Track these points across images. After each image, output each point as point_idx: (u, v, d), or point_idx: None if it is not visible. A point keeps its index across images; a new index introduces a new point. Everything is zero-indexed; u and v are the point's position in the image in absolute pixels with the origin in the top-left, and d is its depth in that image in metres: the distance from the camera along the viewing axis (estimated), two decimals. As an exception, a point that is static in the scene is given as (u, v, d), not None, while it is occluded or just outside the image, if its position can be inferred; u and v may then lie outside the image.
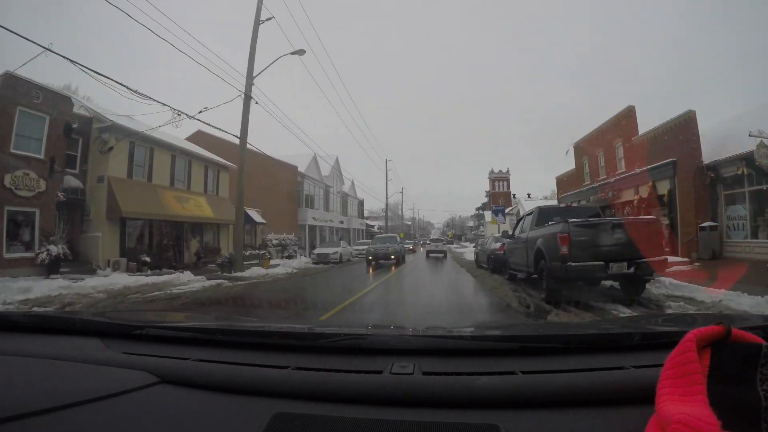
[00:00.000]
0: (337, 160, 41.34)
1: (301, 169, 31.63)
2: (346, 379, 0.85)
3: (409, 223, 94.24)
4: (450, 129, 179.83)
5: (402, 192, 70.19)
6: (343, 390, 0.81)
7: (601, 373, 0.83)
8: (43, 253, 11.94)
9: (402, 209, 71.15)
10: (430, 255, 26.43)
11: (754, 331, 0.67)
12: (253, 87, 14.92)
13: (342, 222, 41.41)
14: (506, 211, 37.28)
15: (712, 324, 0.59)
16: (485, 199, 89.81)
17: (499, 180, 76.78)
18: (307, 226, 31.20)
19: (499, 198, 75.92)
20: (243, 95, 14.86)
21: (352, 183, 46.46)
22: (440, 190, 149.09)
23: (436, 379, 0.83)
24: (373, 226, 60.58)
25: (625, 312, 5.78)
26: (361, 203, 50.95)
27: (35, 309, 6.12)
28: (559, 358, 0.94)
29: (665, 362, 0.58)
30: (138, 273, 13.11)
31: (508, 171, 76.20)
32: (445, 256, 26.37)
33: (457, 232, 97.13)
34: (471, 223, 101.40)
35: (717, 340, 0.58)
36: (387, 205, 46.76)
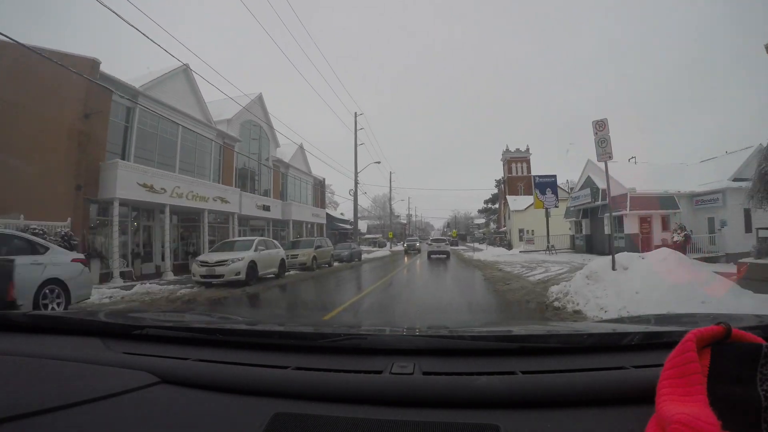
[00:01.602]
0: (260, 99, 23.82)
1: (135, 83, 14.23)
2: (346, 379, 0.84)
3: (404, 221, 76.31)
4: (447, 128, 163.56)
5: (390, 177, 52.68)
6: (343, 390, 0.81)
7: (601, 373, 0.82)
8: None
9: (390, 203, 53.56)
10: (432, 256, 24.62)
11: (754, 331, 0.67)
12: None
13: (267, 208, 23.74)
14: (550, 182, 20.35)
15: (712, 324, 0.59)
16: (495, 191, 71.46)
17: (517, 161, 58.84)
18: (115, 203, 12.93)
19: (517, 184, 56.88)
20: None
21: (301, 150, 29.15)
22: (439, 192, 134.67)
23: (436, 379, 0.83)
24: (346, 221, 42.59)
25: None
26: (320, 184, 33.48)
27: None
28: (559, 358, 0.94)
29: (665, 362, 0.58)
30: None
31: (528, 150, 58.48)
32: (448, 257, 23.90)
33: (461, 231, 78.79)
34: (479, 220, 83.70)
35: (717, 340, 0.58)
36: (356, 182, 29.35)
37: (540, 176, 25.34)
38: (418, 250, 35.83)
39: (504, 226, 47.41)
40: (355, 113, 30.61)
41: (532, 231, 36.66)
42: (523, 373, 0.83)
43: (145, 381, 0.86)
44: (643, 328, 1.23)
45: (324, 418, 0.72)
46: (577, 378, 0.81)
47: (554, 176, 25.19)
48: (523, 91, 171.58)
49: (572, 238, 27.05)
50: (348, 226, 43.16)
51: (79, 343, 1.11)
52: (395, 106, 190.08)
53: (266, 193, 24.94)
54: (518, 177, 57.35)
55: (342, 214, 73.28)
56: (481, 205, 72.20)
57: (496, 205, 69.69)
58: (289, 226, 26.62)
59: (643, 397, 0.66)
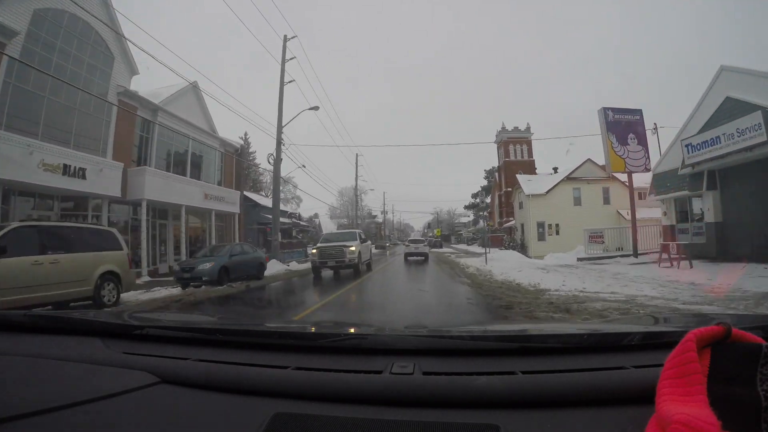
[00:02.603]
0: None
1: None
2: (346, 379, 0.84)
3: (380, 220, 64.52)
4: (429, 127, 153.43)
5: (357, 161, 40.79)
6: (343, 390, 0.80)
7: (601, 373, 0.82)
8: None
9: (357, 192, 41.71)
10: (409, 258, 20.90)
11: (754, 331, 0.66)
12: None
13: (79, 174, 11.40)
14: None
15: (712, 324, 0.59)
16: (485, 182, 60.40)
17: (516, 142, 47.61)
18: None
19: (516, 170, 45.13)
20: None
21: (194, 93, 17.66)
22: (419, 189, 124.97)
23: (436, 379, 0.82)
24: (293, 216, 30.66)
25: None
26: (236, 153, 21.43)
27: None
28: (559, 358, 0.93)
29: (665, 362, 0.58)
30: None
31: (528, 128, 47.42)
32: (427, 260, 20.03)
33: (445, 231, 67.45)
34: (464, 219, 72.84)
35: (717, 340, 0.57)
36: (279, 141, 17.26)
37: (615, 110, 13.71)
38: (358, 267, 13.12)
39: (510, 220, 35.84)
40: (285, 36, 18.76)
41: (556, 225, 25.15)
42: (523, 373, 0.83)
43: (145, 381, 0.86)
44: (643, 328, 1.22)
45: (324, 418, 0.72)
46: (577, 378, 0.80)
47: (639, 111, 13.73)
48: (517, 86, 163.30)
49: (670, 230, 14.60)
50: (304, 223, 30.88)
51: (79, 343, 1.09)
52: (378, 104, 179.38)
53: (90, 149, 12.77)
54: (518, 162, 45.96)
55: (317, 215, 60.51)
56: (468, 201, 61.17)
57: (488, 199, 58.36)
58: (140, 212, 14.35)
59: (643, 397, 0.66)
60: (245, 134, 36.62)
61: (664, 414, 0.50)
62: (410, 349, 0.99)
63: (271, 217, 25.08)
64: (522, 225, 27.65)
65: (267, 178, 50.96)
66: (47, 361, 0.96)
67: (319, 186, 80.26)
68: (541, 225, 25.60)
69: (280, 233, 24.90)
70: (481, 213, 59.38)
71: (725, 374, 0.55)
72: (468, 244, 53.57)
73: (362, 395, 0.78)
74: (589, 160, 26.24)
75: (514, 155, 46.09)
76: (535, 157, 44.64)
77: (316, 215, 62.15)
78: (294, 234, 29.39)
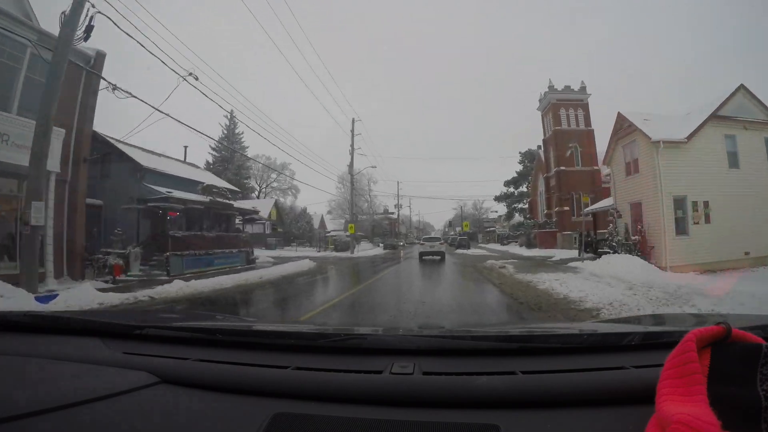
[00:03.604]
0: None
1: None
2: (346, 379, 0.84)
3: (393, 214, 54.28)
4: (447, 123, 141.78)
5: (353, 126, 30.69)
6: (343, 390, 0.81)
7: (601, 373, 0.83)
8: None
9: (352, 169, 31.63)
10: (424, 258, 20.18)
11: (754, 331, 0.67)
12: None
13: None
14: None
15: (712, 324, 0.59)
16: (521, 167, 48.23)
17: (569, 105, 35.63)
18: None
19: (568, 141, 32.89)
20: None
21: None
22: (441, 184, 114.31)
23: (436, 379, 0.83)
24: (219, 191, 19.67)
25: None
26: (88, 67, 10.63)
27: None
28: (559, 358, 0.94)
29: (665, 362, 0.58)
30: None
31: (584, 88, 35.56)
32: (443, 259, 19.02)
33: (473, 228, 55.81)
34: (492, 214, 61.28)
35: (717, 340, 0.58)
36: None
37: None
38: None
39: (565, 210, 23.89)
40: None
41: (704, 203, 13.78)
42: (523, 373, 0.83)
43: (145, 381, 0.86)
44: (643, 328, 1.24)
45: (324, 418, 0.72)
46: (577, 378, 0.81)
47: None
48: (522, 78, 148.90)
49: None
50: (251, 209, 20.16)
51: (79, 343, 1.10)
52: (389, 100, 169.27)
53: None
54: (572, 131, 34.13)
55: (330, 212, 51.12)
56: (500, 191, 49.64)
57: (524, 188, 46.26)
58: None
59: (643, 397, 0.66)
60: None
61: (664, 414, 0.50)
62: (410, 349, 0.99)
63: (170, 192, 13.76)
64: (636, 205, 14.43)
65: (257, 166, 40.87)
66: (47, 361, 0.96)
67: (325, 178, 70.35)
68: (679, 203, 12.75)
69: (211, 218, 14.30)
70: (515, 205, 47.84)
71: (725, 374, 0.55)
72: (502, 244, 41.79)
73: (362, 395, 0.79)
74: (742, 86, 14.68)
75: (568, 123, 34.04)
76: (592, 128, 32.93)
77: (329, 212, 53.12)
78: (239, 224, 18.90)
